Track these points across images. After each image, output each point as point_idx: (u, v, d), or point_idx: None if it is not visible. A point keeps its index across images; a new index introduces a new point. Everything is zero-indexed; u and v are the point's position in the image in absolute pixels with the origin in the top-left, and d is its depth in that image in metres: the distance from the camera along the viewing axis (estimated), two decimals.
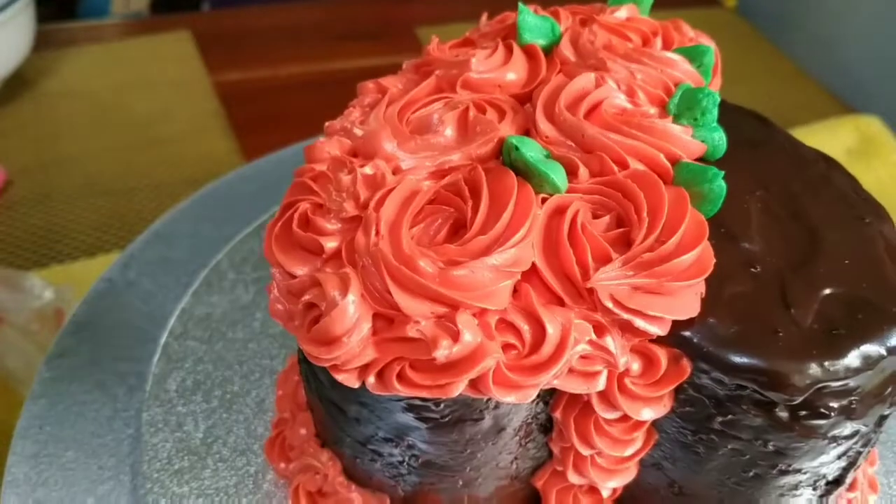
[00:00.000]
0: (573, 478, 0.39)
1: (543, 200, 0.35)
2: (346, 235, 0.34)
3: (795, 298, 0.35)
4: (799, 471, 0.36)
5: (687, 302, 0.33)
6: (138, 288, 0.58)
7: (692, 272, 0.33)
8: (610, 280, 0.32)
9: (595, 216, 0.35)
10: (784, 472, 0.36)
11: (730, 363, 0.33)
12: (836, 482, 0.38)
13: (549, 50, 0.43)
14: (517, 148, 0.35)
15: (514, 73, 0.41)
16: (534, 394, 0.32)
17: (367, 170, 0.35)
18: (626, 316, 0.32)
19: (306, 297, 0.32)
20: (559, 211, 0.34)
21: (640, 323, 0.32)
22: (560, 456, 0.39)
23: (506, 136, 0.37)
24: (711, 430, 0.36)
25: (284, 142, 0.71)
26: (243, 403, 0.50)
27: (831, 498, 0.39)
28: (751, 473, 0.37)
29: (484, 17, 0.49)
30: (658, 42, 0.46)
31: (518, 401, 0.32)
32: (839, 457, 0.37)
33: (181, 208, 0.65)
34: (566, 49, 0.43)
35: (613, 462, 0.38)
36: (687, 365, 0.34)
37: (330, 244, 0.33)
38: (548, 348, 0.32)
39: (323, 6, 1.16)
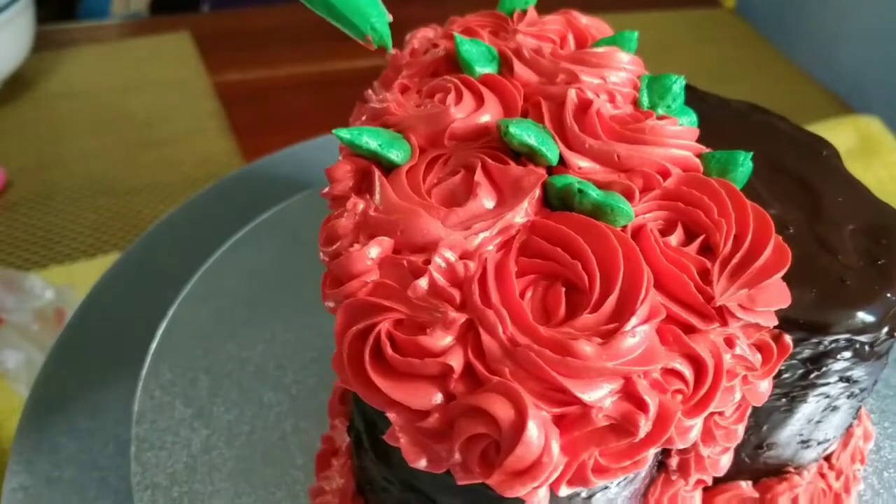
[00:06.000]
0: (693, 479, 0.39)
1: None
2: (463, 345, 0.30)
3: (833, 245, 0.38)
4: (865, 390, 0.41)
5: (782, 287, 0.34)
6: (61, 485, 0.46)
7: (777, 259, 0.34)
8: (727, 291, 0.32)
9: (663, 233, 0.35)
10: (853, 396, 0.40)
11: (825, 325, 0.35)
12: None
13: (499, 73, 0.41)
14: (582, 191, 0.33)
15: (491, 113, 0.38)
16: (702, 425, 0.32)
17: (441, 263, 0.31)
18: (753, 319, 0.33)
19: (466, 430, 0.28)
20: (637, 238, 0.34)
21: (762, 321, 0.33)
22: (677, 467, 0.39)
23: (547, 179, 0.35)
24: (804, 386, 0.38)
25: (284, 142, 0.69)
26: None
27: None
28: (831, 408, 0.40)
29: (394, 54, 0.45)
30: (570, 38, 0.46)
31: (695, 439, 0.31)
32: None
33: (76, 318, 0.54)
34: (521, 70, 0.41)
35: (722, 451, 0.39)
36: (788, 341, 0.35)
37: (454, 361, 0.29)
38: (709, 379, 0.31)
39: None
